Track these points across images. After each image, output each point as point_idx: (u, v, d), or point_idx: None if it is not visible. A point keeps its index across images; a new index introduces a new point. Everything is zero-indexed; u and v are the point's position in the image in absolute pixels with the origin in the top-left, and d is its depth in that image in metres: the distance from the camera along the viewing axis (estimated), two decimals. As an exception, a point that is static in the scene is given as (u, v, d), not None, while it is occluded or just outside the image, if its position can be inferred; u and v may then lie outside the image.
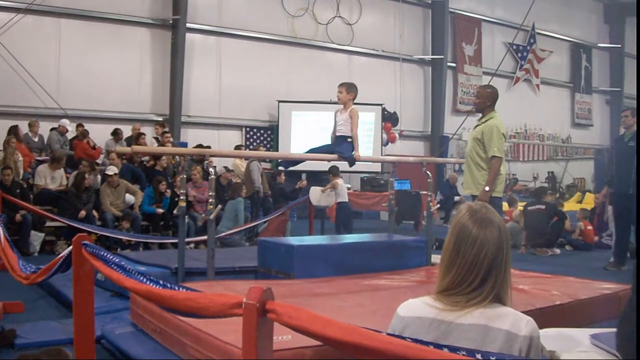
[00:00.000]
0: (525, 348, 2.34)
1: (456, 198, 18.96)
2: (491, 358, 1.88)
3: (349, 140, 8.01)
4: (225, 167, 15.77)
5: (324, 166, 16.09)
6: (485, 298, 2.40)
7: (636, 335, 2.60)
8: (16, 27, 16.68)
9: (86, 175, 12.75)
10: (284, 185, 16.37)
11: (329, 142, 8.44)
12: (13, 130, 14.00)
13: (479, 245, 2.43)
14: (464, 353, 1.85)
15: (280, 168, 7.88)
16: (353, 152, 8.00)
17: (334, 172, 12.88)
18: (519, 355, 2.31)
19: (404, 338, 1.92)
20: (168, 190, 13.35)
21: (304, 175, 18.23)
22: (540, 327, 2.44)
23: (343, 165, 9.01)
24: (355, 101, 8.16)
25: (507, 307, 2.44)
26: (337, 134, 8.19)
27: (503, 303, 2.44)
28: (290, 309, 2.11)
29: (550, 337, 3.89)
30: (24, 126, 14.96)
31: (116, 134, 16.26)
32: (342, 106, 8.12)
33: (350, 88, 8.04)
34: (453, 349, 1.86)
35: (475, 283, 2.41)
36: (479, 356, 1.85)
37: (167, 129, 17.33)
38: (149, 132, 17.24)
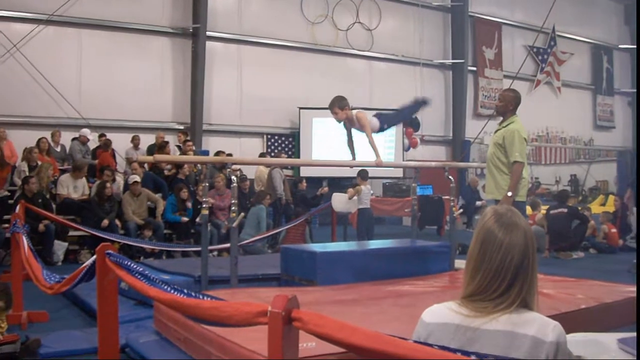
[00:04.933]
0: (552, 354, 2.30)
1: (478, 203, 18.87)
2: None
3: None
4: (244, 176, 15.69)
5: (345, 172, 16.10)
6: (512, 303, 2.36)
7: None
8: (38, 38, 16.82)
9: (107, 185, 12.79)
10: (305, 192, 16.35)
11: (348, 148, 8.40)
12: (39, 142, 14.08)
13: (504, 249, 2.39)
14: (492, 360, 1.83)
15: None
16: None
17: (363, 176, 12.78)
18: (546, 360, 2.29)
19: (430, 345, 1.91)
20: (189, 198, 13.36)
21: (325, 182, 18.23)
22: (566, 332, 2.40)
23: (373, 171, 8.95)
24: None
25: (533, 312, 2.41)
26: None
27: (530, 308, 2.41)
28: (316, 317, 2.09)
29: (577, 342, 3.86)
30: (47, 136, 15.00)
31: (133, 141, 16.37)
32: None
33: (340, 103, 7.89)
34: (481, 356, 1.84)
35: (501, 288, 2.37)
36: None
37: (188, 138, 17.38)
38: (170, 140, 17.27)
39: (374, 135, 7.89)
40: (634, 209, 13.25)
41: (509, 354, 2.28)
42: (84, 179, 13.44)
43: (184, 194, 13.30)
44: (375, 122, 7.97)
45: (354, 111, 7.92)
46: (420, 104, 8.75)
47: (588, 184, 30.57)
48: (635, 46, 30.32)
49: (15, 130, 15.76)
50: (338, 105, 7.82)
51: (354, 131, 8.12)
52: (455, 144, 25.10)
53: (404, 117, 8.68)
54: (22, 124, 16.35)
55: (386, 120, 8.16)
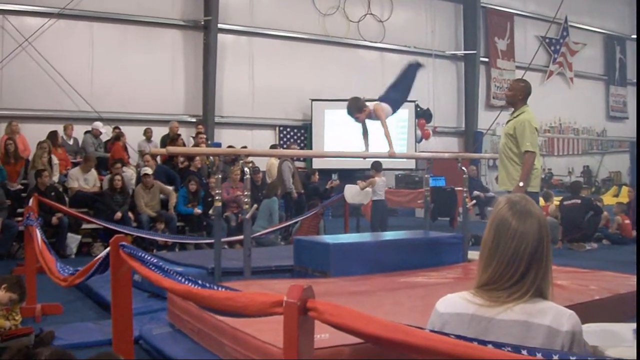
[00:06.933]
0: (568, 343, 2.28)
1: (475, 193, 18.61)
2: (537, 354, 1.84)
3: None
4: (257, 168, 15.64)
5: (358, 164, 16.05)
6: (526, 292, 2.35)
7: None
8: (50, 32, 16.81)
9: (116, 177, 12.80)
10: (318, 184, 16.33)
11: (362, 140, 8.38)
12: (51, 135, 14.11)
13: (518, 238, 2.38)
14: (509, 349, 1.82)
15: None
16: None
17: (377, 168, 12.73)
18: (562, 350, 2.26)
19: (447, 335, 1.90)
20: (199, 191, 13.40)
21: (334, 175, 18.21)
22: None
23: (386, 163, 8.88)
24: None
25: (548, 301, 2.39)
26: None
27: (544, 297, 2.39)
28: (332, 307, 2.09)
29: (593, 332, 3.84)
30: (60, 130, 15.03)
31: (146, 134, 16.43)
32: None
33: (358, 106, 7.93)
34: (498, 345, 1.83)
35: (515, 277, 2.36)
36: (524, 352, 1.82)
37: (201, 130, 17.38)
38: (183, 133, 17.28)
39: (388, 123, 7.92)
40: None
41: (524, 344, 2.26)
42: (94, 171, 13.47)
43: (193, 185, 13.30)
44: (388, 109, 7.99)
45: (370, 105, 7.95)
46: (415, 66, 8.61)
47: (601, 175, 30.47)
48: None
49: (28, 124, 15.79)
50: (356, 110, 7.88)
51: (368, 121, 8.12)
52: (467, 135, 25.03)
53: (408, 87, 8.48)
54: (34, 118, 16.37)
55: (395, 103, 8.14)
